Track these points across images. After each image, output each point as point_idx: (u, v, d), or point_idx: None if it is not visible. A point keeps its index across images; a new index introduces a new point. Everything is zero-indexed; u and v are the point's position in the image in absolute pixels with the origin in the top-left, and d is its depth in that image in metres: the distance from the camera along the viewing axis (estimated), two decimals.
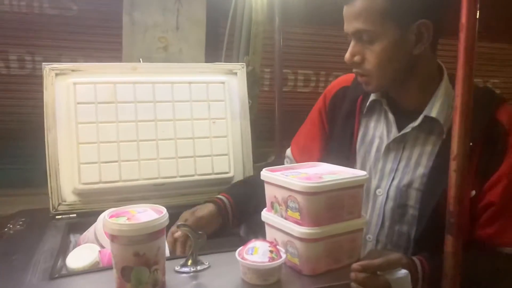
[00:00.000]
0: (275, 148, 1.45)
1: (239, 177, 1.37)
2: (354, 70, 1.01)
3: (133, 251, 0.75)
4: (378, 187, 1.03)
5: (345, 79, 1.17)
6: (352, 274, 0.81)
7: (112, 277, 0.79)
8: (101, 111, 1.22)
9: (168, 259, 0.86)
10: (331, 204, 0.84)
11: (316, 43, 2.62)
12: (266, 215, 0.93)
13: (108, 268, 0.85)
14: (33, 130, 1.65)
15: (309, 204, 0.82)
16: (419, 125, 0.99)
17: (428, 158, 0.98)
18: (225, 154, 1.34)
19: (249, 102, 1.42)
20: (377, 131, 1.06)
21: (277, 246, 0.85)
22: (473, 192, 0.94)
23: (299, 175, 0.88)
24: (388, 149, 1.03)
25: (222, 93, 1.34)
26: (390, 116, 1.03)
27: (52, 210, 1.20)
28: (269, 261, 0.80)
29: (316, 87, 3.05)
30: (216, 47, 2.17)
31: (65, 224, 1.16)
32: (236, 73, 1.39)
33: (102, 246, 0.98)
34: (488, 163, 0.94)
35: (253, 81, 1.92)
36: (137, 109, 1.25)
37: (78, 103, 1.20)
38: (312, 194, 0.82)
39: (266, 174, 0.92)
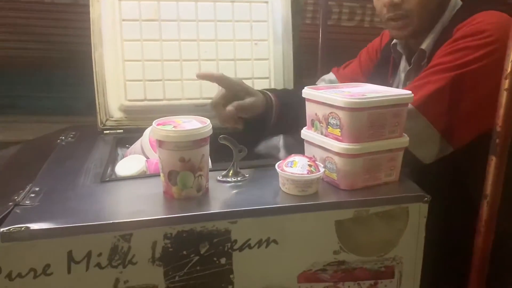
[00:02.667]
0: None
1: None
2: (390, 14, 1.03)
3: (179, 157, 0.79)
4: None
5: None
6: None
7: (158, 182, 0.84)
8: (145, 28, 1.23)
9: (211, 170, 0.89)
10: (373, 121, 0.83)
11: None
12: (305, 132, 0.94)
13: (155, 175, 0.90)
14: (76, 60, 1.68)
15: (350, 120, 0.82)
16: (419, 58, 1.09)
17: None
18: (266, 78, 1.34)
19: None
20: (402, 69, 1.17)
21: (316, 162, 0.87)
22: None
23: (342, 93, 0.87)
24: (405, 85, 1.14)
25: (265, 13, 1.32)
26: (404, 57, 1.17)
27: (100, 125, 1.26)
28: (307, 173, 0.82)
29: (361, 21, 2.89)
30: None
31: (113, 138, 1.22)
32: None
33: (148, 158, 1.03)
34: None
35: (296, 11, 1.85)
36: (180, 28, 1.26)
37: (123, 20, 1.22)
38: (355, 110, 0.81)
39: (308, 91, 0.91)
